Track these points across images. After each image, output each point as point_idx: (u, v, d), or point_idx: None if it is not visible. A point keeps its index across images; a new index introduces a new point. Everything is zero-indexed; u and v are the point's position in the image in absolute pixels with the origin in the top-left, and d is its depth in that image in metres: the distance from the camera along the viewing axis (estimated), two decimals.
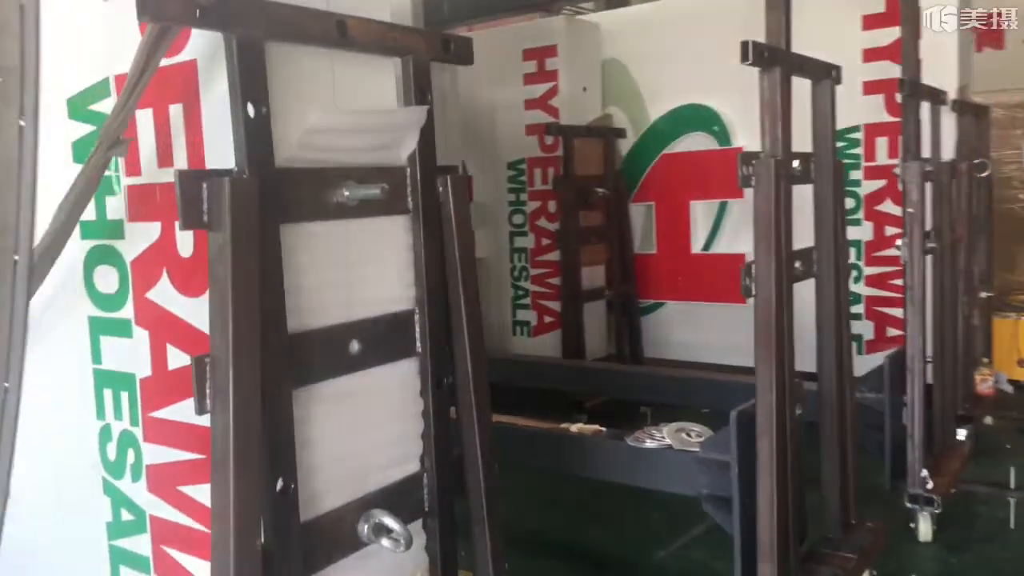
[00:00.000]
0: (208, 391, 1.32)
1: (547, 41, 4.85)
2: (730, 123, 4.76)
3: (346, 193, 1.53)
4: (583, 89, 4.90)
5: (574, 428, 3.04)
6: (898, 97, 3.85)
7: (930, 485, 3.09)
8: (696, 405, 3.93)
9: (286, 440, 1.44)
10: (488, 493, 1.81)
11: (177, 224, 1.34)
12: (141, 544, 1.69)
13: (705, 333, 4.88)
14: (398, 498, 1.69)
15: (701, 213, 4.93)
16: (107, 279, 1.67)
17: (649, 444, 2.73)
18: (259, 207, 1.35)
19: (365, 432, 1.63)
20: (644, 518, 3.42)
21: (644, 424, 2.98)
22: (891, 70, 3.92)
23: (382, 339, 1.65)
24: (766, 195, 2.22)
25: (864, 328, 4.45)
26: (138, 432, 1.65)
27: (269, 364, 1.38)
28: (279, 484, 1.42)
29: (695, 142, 4.93)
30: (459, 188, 1.75)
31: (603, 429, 2.98)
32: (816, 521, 2.57)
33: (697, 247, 4.95)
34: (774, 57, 2.23)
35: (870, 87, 4.29)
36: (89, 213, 1.62)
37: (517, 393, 3.33)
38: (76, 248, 1.69)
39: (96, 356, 1.71)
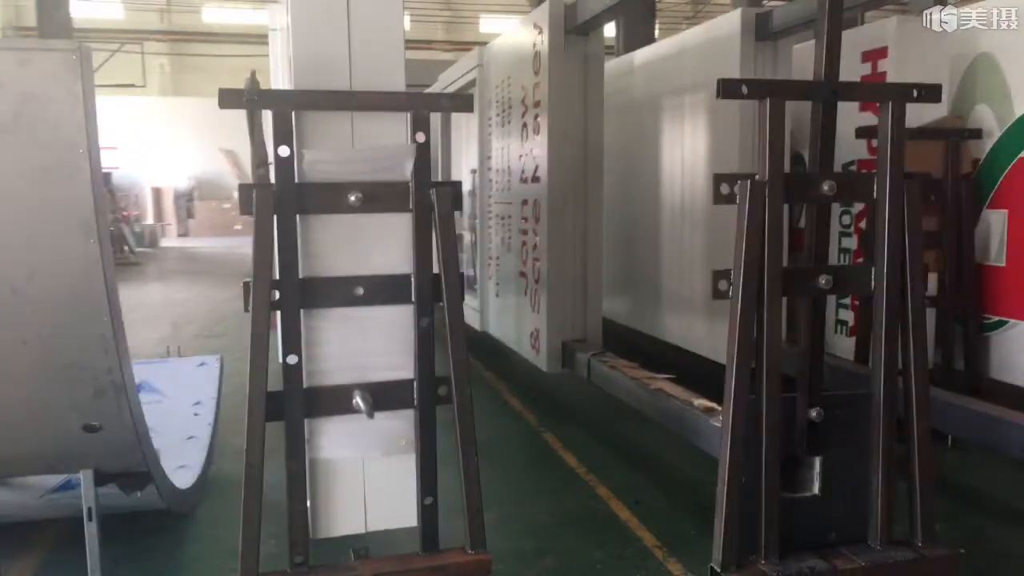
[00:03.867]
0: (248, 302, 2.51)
1: (879, 43, 4.77)
2: None
3: (351, 198, 2.56)
4: None
5: None
6: None
7: None
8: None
9: (295, 336, 2.55)
10: (460, 395, 2.64)
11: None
12: None
13: None
14: (394, 391, 2.65)
15: None
16: None
17: None
18: (279, 205, 2.48)
19: (367, 344, 2.64)
20: None
21: None
22: None
23: (382, 289, 2.62)
24: (743, 213, 2.49)
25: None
26: None
27: (285, 293, 2.50)
28: (290, 359, 2.54)
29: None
30: (444, 196, 2.61)
31: None
32: None
33: None
34: (756, 89, 2.47)
35: None
36: None
37: None
38: None
39: None
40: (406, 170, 2.61)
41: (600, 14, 4.57)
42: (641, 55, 6.65)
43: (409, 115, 2.59)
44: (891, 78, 4.72)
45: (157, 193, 23.87)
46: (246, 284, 2.48)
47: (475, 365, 6.93)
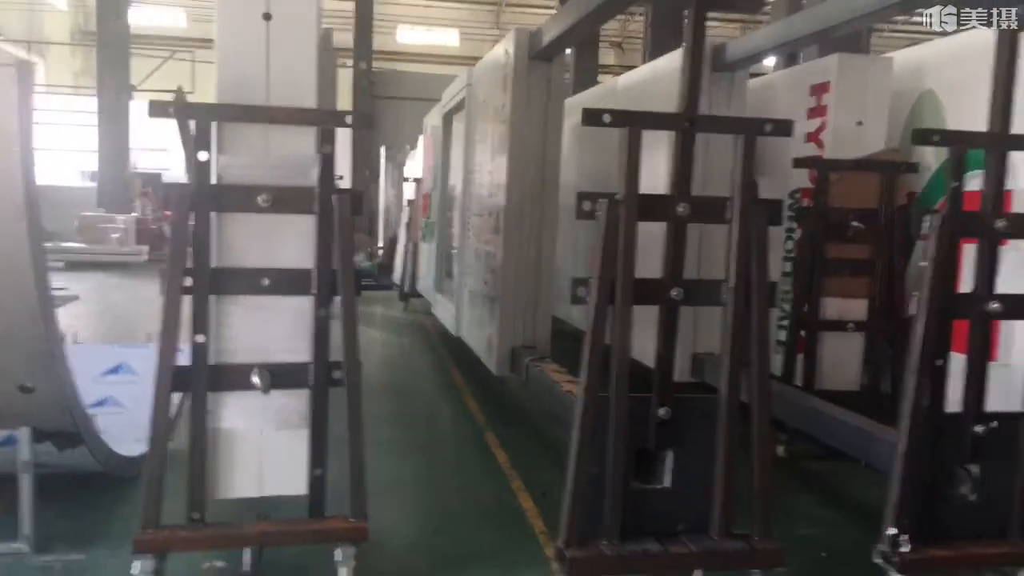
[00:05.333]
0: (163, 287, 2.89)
1: (823, 78, 5.02)
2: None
3: (260, 199, 2.92)
4: (857, 123, 4.91)
5: None
6: None
7: None
8: None
9: (203, 318, 2.92)
10: (351, 379, 2.98)
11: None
12: None
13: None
14: (292, 373, 3.00)
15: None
16: None
17: None
18: (195, 202, 2.85)
19: (270, 329, 3.00)
20: None
21: None
22: None
23: (286, 281, 2.98)
24: (601, 228, 2.81)
25: None
26: None
27: (197, 280, 2.88)
28: (198, 338, 2.91)
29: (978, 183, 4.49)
30: (344, 201, 2.96)
31: None
32: None
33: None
34: (617, 119, 2.79)
35: None
36: None
37: None
38: None
39: None
40: (312, 177, 2.97)
41: (559, 41, 4.90)
42: (624, 80, 6.98)
43: (319, 129, 2.96)
44: (832, 111, 4.97)
45: None
46: (162, 271, 2.87)
47: (448, 368, 7.27)
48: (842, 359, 5.01)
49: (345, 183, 17.78)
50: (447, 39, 28.99)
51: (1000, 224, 2.97)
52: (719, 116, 3.21)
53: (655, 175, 5.28)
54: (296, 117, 2.94)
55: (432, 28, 28.96)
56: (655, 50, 11.07)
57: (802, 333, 5.01)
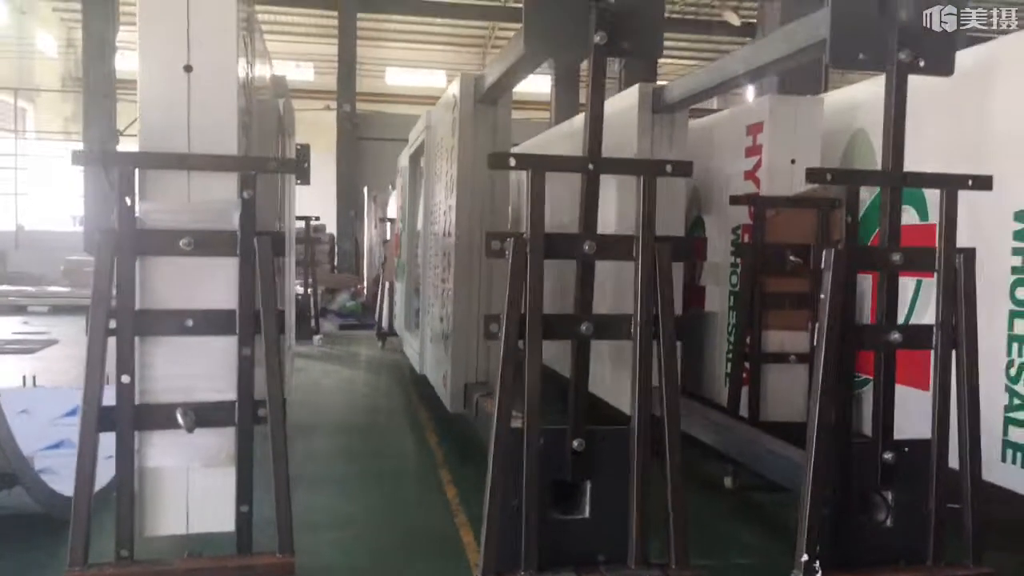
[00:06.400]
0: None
1: (758, 119, 5.18)
2: (928, 196, 4.42)
3: (182, 243, 3.03)
4: (791, 161, 5.06)
5: None
6: None
7: None
8: None
9: (127, 359, 3.00)
10: (274, 416, 3.06)
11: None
12: None
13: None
14: (218, 411, 3.09)
15: (908, 290, 4.61)
16: None
17: None
18: (119, 247, 2.96)
19: (195, 369, 3.09)
20: None
21: None
22: None
23: (210, 321, 3.08)
24: (509, 266, 2.92)
25: None
26: None
27: (120, 321, 2.97)
28: (124, 379, 3.00)
29: (909, 216, 4.63)
30: (265, 244, 3.07)
31: None
32: None
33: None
34: (523, 162, 2.91)
35: None
36: None
37: None
38: None
39: None
40: (234, 221, 3.08)
41: (499, 85, 5.05)
42: (578, 120, 7.15)
43: (239, 175, 3.08)
44: (766, 151, 5.11)
45: None
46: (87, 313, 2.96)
47: (415, 406, 7.33)
48: (786, 390, 5.09)
49: (330, 223, 17.99)
50: (434, 80, 29.45)
51: (896, 258, 3.09)
52: (620, 158, 3.32)
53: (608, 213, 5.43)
54: (216, 164, 3.06)
55: (419, 70, 29.42)
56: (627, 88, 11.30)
57: (747, 365, 5.10)
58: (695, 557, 3.71)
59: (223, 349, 3.11)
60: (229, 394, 3.11)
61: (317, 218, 12.45)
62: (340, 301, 15.51)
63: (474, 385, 5.37)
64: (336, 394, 7.96)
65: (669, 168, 3.03)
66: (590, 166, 3.00)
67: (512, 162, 2.95)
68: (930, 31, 3.13)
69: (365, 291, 15.68)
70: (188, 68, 3.05)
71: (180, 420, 3.04)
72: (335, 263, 19.51)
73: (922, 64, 3.14)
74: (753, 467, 4.32)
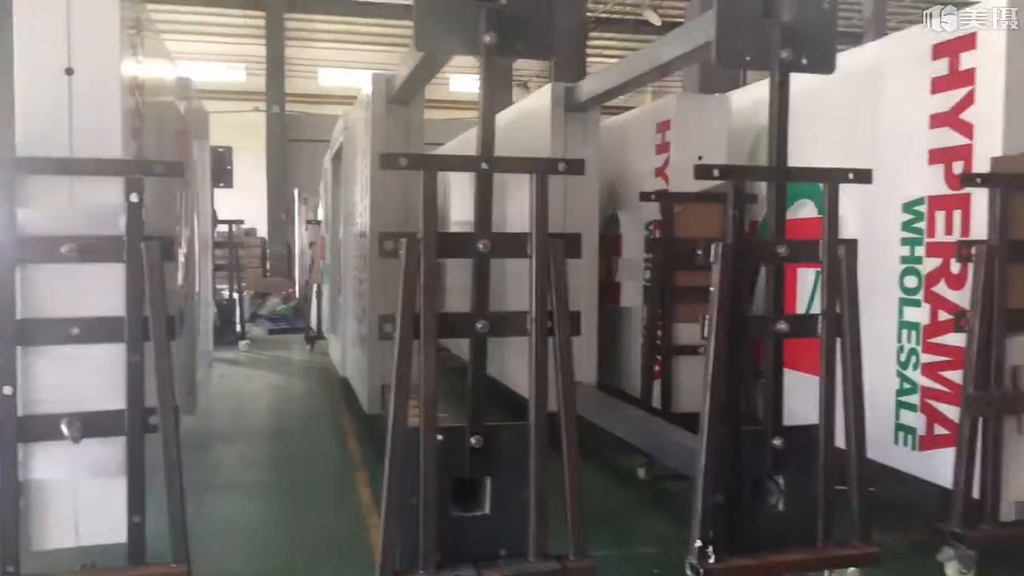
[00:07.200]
0: None
1: (665, 116, 5.28)
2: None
3: (65, 250, 2.95)
4: (698, 158, 5.16)
5: None
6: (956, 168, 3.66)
7: None
8: None
9: (9, 371, 2.91)
10: (165, 424, 3.00)
11: None
12: None
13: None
14: (107, 420, 3.01)
15: (808, 280, 4.77)
16: None
17: None
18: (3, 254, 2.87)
19: (83, 378, 3.01)
20: None
21: None
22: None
23: (97, 329, 3.00)
24: (403, 265, 2.92)
25: (917, 421, 3.95)
26: None
27: (1, 332, 2.88)
28: (6, 390, 2.91)
29: (809, 210, 4.78)
30: (153, 249, 3.01)
31: None
32: None
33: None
34: (414, 161, 2.92)
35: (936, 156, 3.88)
36: None
37: None
38: None
39: None
40: (120, 226, 3.01)
41: (409, 84, 5.04)
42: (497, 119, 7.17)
43: (124, 178, 3.01)
44: (673, 148, 5.23)
45: None
46: None
47: (339, 410, 7.27)
48: (697, 382, 5.17)
49: (261, 226, 17.65)
50: (365, 82, 29.07)
51: (782, 250, 3.18)
52: (513, 157, 3.35)
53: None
54: (98, 168, 2.99)
55: (352, 70, 29.04)
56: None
57: (658, 357, 5.20)
58: (603, 548, 3.81)
59: (112, 357, 3.04)
60: (119, 403, 3.04)
61: (242, 222, 12.23)
62: (271, 305, 15.28)
63: (389, 386, 5.34)
64: (258, 400, 7.83)
65: (562, 166, 3.07)
66: (483, 165, 3.02)
67: (403, 162, 2.94)
68: (812, 31, 3.23)
69: (297, 294, 15.47)
70: (69, 71, 2.98)
71: (65, 431, 2.96)
72: (267, 267, 19.22)
73: (804, 62, 3.24)
74: (661, 458, 4.40)
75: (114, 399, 3.03)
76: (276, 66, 20.61)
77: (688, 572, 3.09)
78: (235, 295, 11.44)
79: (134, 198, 3.00)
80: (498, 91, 13.60)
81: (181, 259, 4.99)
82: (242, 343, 10.94)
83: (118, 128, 3.05)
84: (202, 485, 4.83)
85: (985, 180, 3.43)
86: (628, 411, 4.89)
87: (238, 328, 11.19)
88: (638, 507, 4.62)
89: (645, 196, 5.14)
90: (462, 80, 23.79)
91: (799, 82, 3.31)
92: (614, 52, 22.53)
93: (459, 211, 7.33)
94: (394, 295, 5.36)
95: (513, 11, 3.07)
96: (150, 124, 3.74)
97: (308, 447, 6.15)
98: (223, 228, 11.32)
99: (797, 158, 3.44)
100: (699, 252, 5.03)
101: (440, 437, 3.00)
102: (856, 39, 12.77)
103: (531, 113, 5.72)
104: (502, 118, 6.66)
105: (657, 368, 5.28)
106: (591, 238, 5.33)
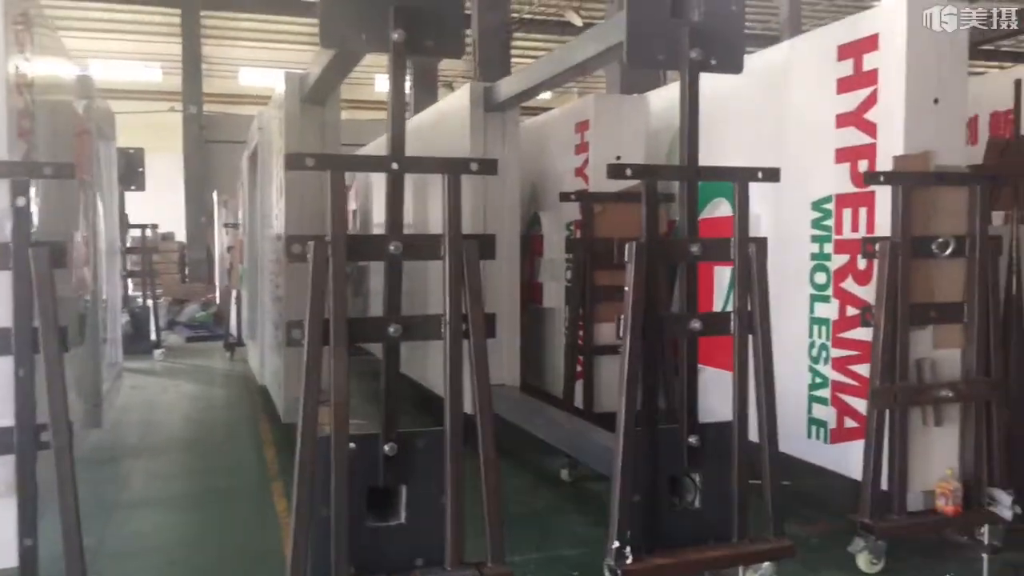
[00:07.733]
0: None
1: (584, 116, 5.30)
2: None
3: None
4: (617, 158, 5.19)
5: None
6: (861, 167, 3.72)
7: None
8: None
9: None
10: (58, 441, 2.83)
11: None
12: None
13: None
14: None
15: (724, 278, 4.83)
16: None
17: None
18: None
19: None
20: None
21: None
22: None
23: None
24: (310, 269, 2.83)
25: (828, 415, 4.04)
26: None
27: None
28: None
29: (725, 208, 4.85)
30: (42, 256, 2.84)
31: None
32: None
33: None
34: (321, 162, 2.83)
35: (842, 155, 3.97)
36: None
37: None
38: None
39: None
40: (5, 232, 2.84)
41: (322, 84, 4.92)
42: (416, 120, 7.10)
43: (9, 181, 2.83)
44: (592, 147, 5.25)
45: None
46: None
47: (258, 419, 7.06)
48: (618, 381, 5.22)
49: (179, 230, 17.11)
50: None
51: (695, 249, 3.20)
52: (423, 157, 3.29)
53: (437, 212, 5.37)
54: None
55: (272, 69, 28.42)
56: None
57: (580, 357, 5.20)
58: (525, 551, 3.77)
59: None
60: (7, 419, 2.86)
61: (156, 225, 11.81)
62: (189, 312, 14.82)
63: None
64: (172, 411, 7.55)
65: (474, 166, 3.01)
66: (393, 165, 2.94)
67: (310, 162, 2.85)
68: (720, 31, 3.26)
69: (218, 300, 15.03)
70: None
71: None
72: (185, 272, 18.64)
73: (713, 63, 3.27)
74: (582, 458, 4.40)
75: (2, 415, 2.86)
76: (193, 65, 19.99)
77: (606, 574, 3.08)
78: (149, 302, 11.03)
79: (20, 202, 2.83)
80: (422, 91, 13.54)
81: (83, 265, 4.76)
82: (157, 352, 10.55)
83: (3, 128, 2.87)
84: (109, 502, 4.62)
85: (888, 178, 3.52)
86: (550, 412, 4.87)
87: (153, 336, 10.79)
88: (560, 509, 4.60)
89: (565, 196, 5.13)
90: (387, 81, 23.47)
91: (713, 83, 3.34)
92: (539, 53, 22.59)
93: (382, 213, 7.22)
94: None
95: (423, 9, 3.01)
96: (42, 124, 3.55)
97: (224, 459, 5.94)
98: (136, 232, 10.92)
99: (712, 158, 3.47)
100: (618, 251, 5.12)
101: (352, 445, 2.92)
102: (773, 41, 13.10)
103: (450, 113, 5.65)
104: (422, 118, 6.61)
105: (579, 368, 5.29)
106: (512, 239, 5.31)
